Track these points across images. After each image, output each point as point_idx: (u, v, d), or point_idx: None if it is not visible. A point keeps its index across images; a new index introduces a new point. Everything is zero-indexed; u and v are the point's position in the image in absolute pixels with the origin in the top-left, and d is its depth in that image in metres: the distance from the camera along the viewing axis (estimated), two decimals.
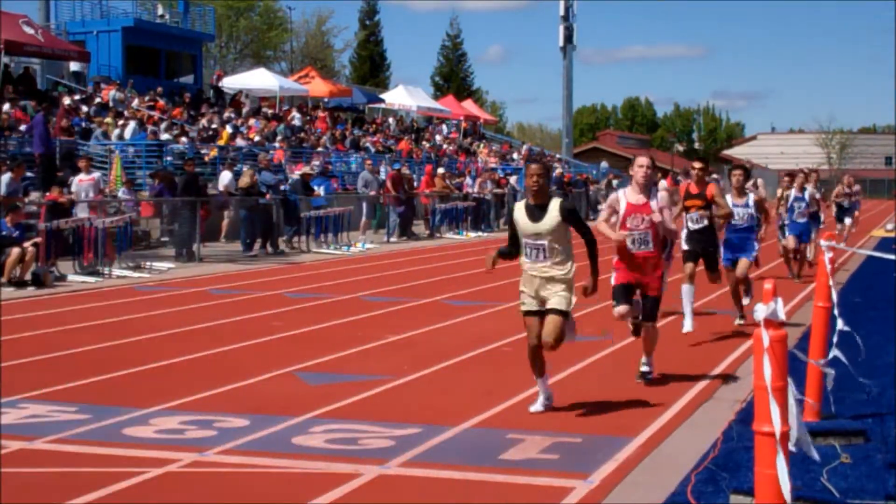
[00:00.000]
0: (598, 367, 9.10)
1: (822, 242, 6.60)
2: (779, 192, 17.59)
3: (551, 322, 7.02)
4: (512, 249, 7.34)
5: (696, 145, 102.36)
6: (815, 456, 4.34)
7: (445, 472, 5.76)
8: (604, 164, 51.99)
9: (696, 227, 10.78)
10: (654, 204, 7.94)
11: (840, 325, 6.29)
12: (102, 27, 36.10)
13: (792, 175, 17.27)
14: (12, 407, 7.26)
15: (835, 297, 6.39)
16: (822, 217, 18.23)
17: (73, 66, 33.48)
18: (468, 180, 33.25)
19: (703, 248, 10.81)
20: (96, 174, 20.17)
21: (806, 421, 5.02)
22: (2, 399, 7.45)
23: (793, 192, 16.45)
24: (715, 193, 10.72)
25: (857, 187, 28.93)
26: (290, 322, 11.76)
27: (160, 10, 39.90)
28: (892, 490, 5.20)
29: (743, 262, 11.35)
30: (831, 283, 6.40)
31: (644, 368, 8.32)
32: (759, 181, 18.29)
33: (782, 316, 3.86)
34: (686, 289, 10.52)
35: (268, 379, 8.43)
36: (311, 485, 5.48)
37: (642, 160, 7.99)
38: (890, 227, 30.03)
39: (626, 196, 8.10)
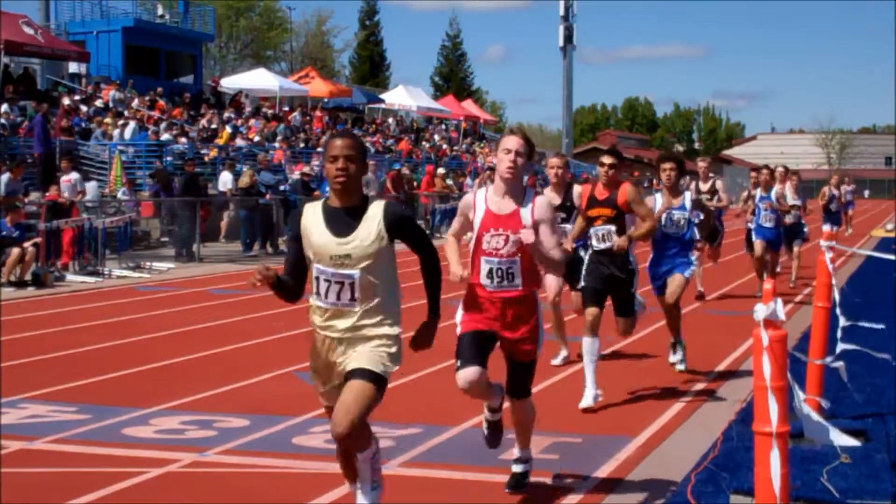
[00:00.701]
0: (597, 367, 9.08)
1: (822, 242, 6.61)
2: (744, 193, 14.65)
3: (352, 392, 4.20)
4: (291, 282, 4.40)
5: (696, 145, 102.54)
6: (840, 442, 4.31)
7: (445, 472, 5.76)
8: None
9: (603, 246, 7.51)
10: (526, 214, 5.13)
11: (843, 322, 6.29)
12: (102, 27, 36.10)
13: (758, 170, 14.25)
14: (12, 407, 7.26)
15: (837, 296, 6.39)
16: (806, 231, 15.48)
17: (73, 66, 33.47)
18: (468, 180, 33.24)
19: (611, 281, 7.51)
20: (73, 175, 20.07)
21: None
22: (2, 399, 7.45)
23: (758, 193, 13.79)
24: (630, 198, 7.44)
25: (850, 186, 28.34)
26: (290, 322, 11.75)
27: (160, 10, 39.90)
28: (893, 489, 5.20)
29: (677, 280, 8.38)
30: (834, 282, 6.41)
31: (517, 468, 5.42)
32: (719, 184, 13.73)
33: (782, 316, 3.86)
34: (588, 343, 7.41)
35: (268, 379, 8.43)
36: (311, 485, 5.49)
37: (510, 142, 5.16)
38: (890, 227, 30.01)
39: (487, 200, 5.23)
